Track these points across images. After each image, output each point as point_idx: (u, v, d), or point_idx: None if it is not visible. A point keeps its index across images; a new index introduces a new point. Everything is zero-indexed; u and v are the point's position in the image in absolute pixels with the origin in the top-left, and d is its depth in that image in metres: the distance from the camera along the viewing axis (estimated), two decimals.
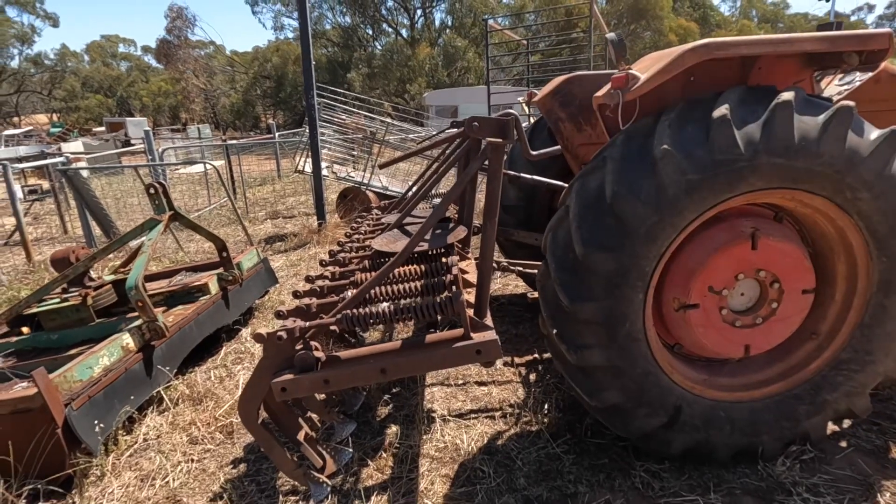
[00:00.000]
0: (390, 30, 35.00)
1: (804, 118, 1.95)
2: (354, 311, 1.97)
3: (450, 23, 33.47)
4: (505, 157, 4.15)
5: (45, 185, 12.29)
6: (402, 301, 2.03)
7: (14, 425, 2.28)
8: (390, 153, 8.86)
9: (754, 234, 2.15)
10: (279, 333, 1.91)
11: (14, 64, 43.80)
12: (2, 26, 40.29)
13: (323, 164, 7.69)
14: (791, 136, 1.93)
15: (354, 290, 2.19)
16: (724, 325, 2.25)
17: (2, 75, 42.56)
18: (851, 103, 1.96)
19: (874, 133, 1.99)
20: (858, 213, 2.06)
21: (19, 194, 12.32)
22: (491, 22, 7.59)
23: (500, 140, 1.84)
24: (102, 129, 33.79)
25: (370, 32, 35.22)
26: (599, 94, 2.45)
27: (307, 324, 1.97)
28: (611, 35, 2.13)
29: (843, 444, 2.52)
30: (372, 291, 2.16)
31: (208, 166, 7.24)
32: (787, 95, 1.96)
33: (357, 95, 9.83)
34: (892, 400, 2.84)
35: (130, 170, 11.76)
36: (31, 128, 36.28)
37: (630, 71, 2.12)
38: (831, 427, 2.64)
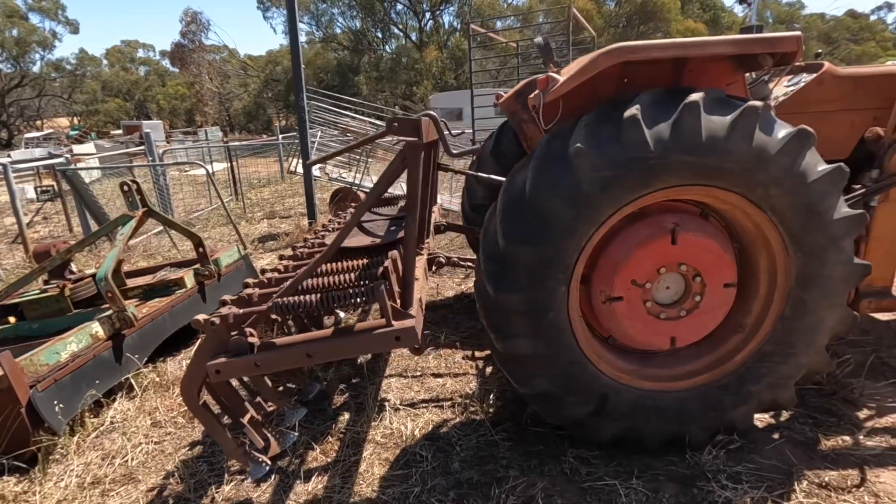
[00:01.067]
0: (399, 33, 35.33)
1: (712, 117, 2.03)
2: (284, 299, 2.10)
3: (458, 26, 33.69)
4: (479, 160, 4.25)
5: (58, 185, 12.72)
6: (328, 293, 2.15)
7: None
8: (383, 154, 9.04)
9: (674, 230, 2.23)
10: (212, 319, 2.05)
11: (36, 69, 45.12)
12: (25, 33, 41.54)
13: (317, 165, 7.88)
14: (699, 134, 2.01)
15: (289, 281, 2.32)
16: (648, 317, 2.34)
17: (24, 80, 43.84)
18: (759, 103, 2.05)
19: (783, 131, 2.06)
20: (772, 209, 2.13)
21: (31, 194, 12.79)
22: (473, 25, 7.70)
23: (414, 139, 1.96)
24: (120, 132, 34.63)
25: (380, 36, 35.60)
26: (531, 96, 2.55)
27: (241, 311, 2.11)
28: (538, 39, 2.24)
29: (776, 435, 2.58)
30: (308, 282, 2.29)
31: (208, 168, 7.46)
32: (696, 96, 2.04)
33: (344, 98, 9.97)
34: (835, 394, 2.89)
35: (140, 173, 12.14)
36: (51, 131, 37.39)
37: (550, 74, 2.23)
38: (768, 420, 2.70)
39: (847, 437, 2.54)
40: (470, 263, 3.56)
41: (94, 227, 6.57)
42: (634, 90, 2.31)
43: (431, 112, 2.10)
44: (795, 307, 2.27)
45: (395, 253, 2.48)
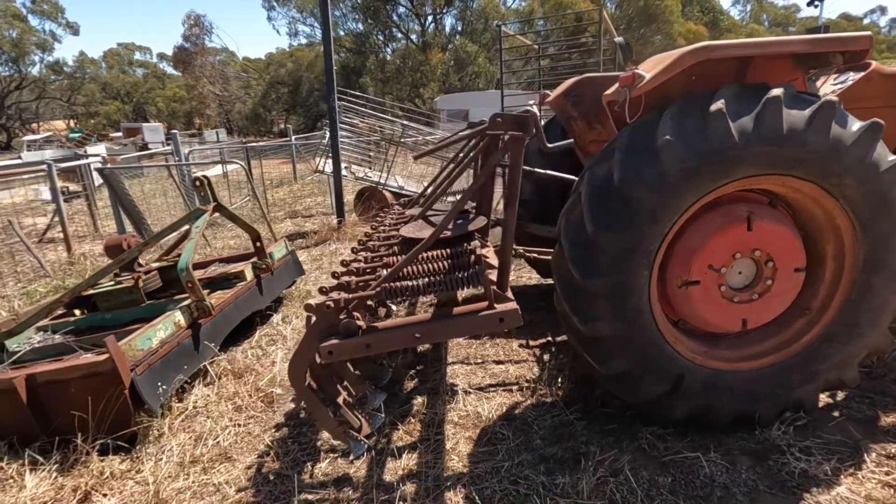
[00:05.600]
0: (401, 36, 35.49)
1: (792, 111, 2.18)
2: (390, 285, 2.23)
3: (460, 28, 33.90)
4: (525, 156, 4.40)
5: (72, 186, 12.82)
6: (432, 277, 2.28)
7: (86, 387, 2.58)
8: (406, 154, 9.18)
9: (749, 217, 2.38)
10: (328, 303, 2.18)
11: (35, 71, 45.03)
12: (24, 35, 41.47)
13: (341, 165, 8.00)
14: (780, 126, 2.16)
15: (388, 270, 2.45)
16: (722, 300, 2.48)
17: (23, 83, 43.73)
18: (835, 98, 2.20)
19: (856, 125, 2.21)
20: (844, 197, 2.28)
21: (47, 195, 12.84)
22: (504, 29, 7.87)
23: (520, 133, 2.09)
24: (119, 134, 34.50)
25: (381, 38, 35.74)
26: (609, 92, 2.69)
27: (350, 296, 2.24)
28: (619, 39, 2.39)
29: (836, 413, 2.73)
30: (405, 270, 2.42)
31: (235, 166, 7.56)
32: (777, 91, 2.19)
33: (372, 98, 10.13)
34: (885, 377, 3.04)
35: (152, 173, 12.22)
36: (50, 133, 37.29)
37: (636, 71, 2.37)
38: (826, 399, 2.85)
39: None
40: (535, 254, 3.71)
41: (128, 225, 6.67)
42: (702, 87, 2.46)
43: (531, 108, 2.24)
44: (862, 290, 2.42)
45: (476, 243, 2.62)
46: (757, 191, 2.54)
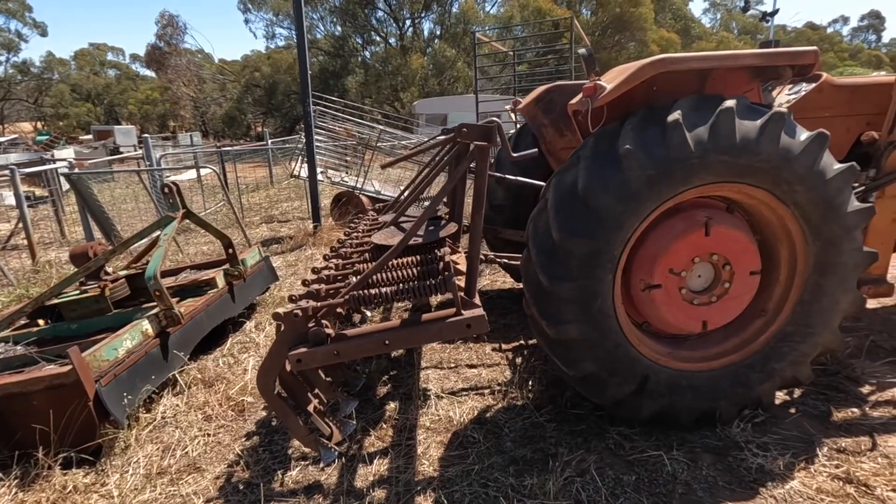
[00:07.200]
0: (380, 39, 35.45)
1: (744, 122, 2.28)
2: (360, 292, 2.25)
3: (438, 32, 34.05)
4: (491, 160, 4.47)
5: (38, 191, 12.44)
6: (401, 285, 2.30)
7: (49, 399, 2.52)
8: (382, 159, 9.17)
9: (707, 223, 2.47)
10: (295, 311, 2.18)
11: (0, 71, 43.55)
12: None
13: (317, 170, 7.96)
14: (733, 136, 2.26)
15: (358, 277, 2.47)
16: (683, 303, 2.57)
17: None
18: (784, 109, 2.31)
19: (804, 134, 2.33)
20: (794, 203, 2.39)
21: (11, 200, 12.41)
22: (479, 34, 7.96)
23: (484, 143, 2.14)
24: (89, 137, 33.56)
25: (360, 42, 35.63)
26: (573, 101, 2.76)
27: (319, 304, 2.25)
28: (582, 51, 2.46)
29: (793, 410, 2.84)
30: (374, 277, 2.44)
31: (206, 170, 7.47)
32: (729, 103, 2.29)
33: (348, 103, 10.13)
34: (838, 374, 3.18)
35: (122, 177, 11.95)
36: (16, 136, 36.01)
37: (598, 82, 2.45)
38: (784, 396, 2.97)
39: (855, 410, 2.82)
40: (506, 260, 3.77)
41: (97, 231, 6.51)
42: (664, 96, 2.55)
43: (495, 118, 2.29)
44: (813, 291, 2.54)
45: (446, 249, 2.66)
46: (715, 197, 2.64)
